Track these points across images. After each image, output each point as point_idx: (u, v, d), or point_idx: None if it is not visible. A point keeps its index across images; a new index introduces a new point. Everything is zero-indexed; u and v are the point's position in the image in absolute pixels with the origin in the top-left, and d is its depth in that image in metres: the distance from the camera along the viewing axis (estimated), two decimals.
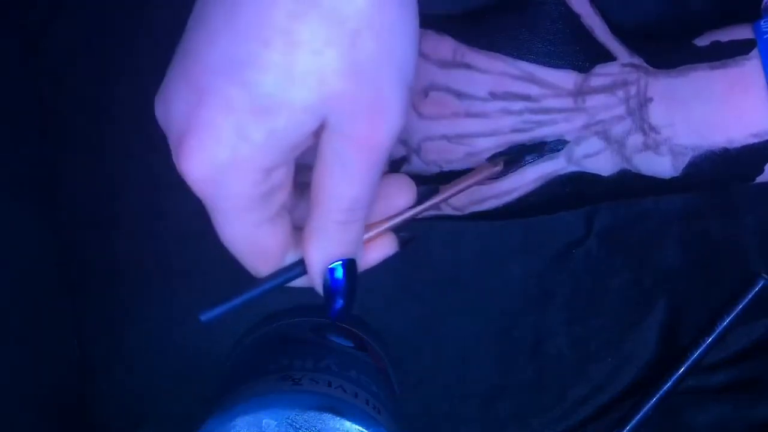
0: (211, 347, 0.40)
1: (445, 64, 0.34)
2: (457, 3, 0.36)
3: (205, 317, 0.29)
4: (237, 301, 0.30)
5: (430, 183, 0.35)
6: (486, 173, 0.33)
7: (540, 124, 0.34)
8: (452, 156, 0.35)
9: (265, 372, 0.34)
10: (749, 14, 0.32)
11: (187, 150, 0.25)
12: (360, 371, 0.35)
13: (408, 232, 0.32)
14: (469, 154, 0.34)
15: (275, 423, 0.30)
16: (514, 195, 0.35)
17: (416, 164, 0.36)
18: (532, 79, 0.34)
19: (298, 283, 0.30)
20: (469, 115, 0.34)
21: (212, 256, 0.37)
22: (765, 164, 0.32)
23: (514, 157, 0.34)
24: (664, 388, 0.40)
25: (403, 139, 0.36)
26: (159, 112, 0.26)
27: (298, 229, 0.29)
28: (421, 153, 0.35)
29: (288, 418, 0.30)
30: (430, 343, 0.41)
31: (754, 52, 0.31)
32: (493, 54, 0.34)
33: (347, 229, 0.28)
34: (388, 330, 0.41)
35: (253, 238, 0.28)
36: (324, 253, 0.28)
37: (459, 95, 0.34)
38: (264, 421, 0.30)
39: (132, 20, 0.38)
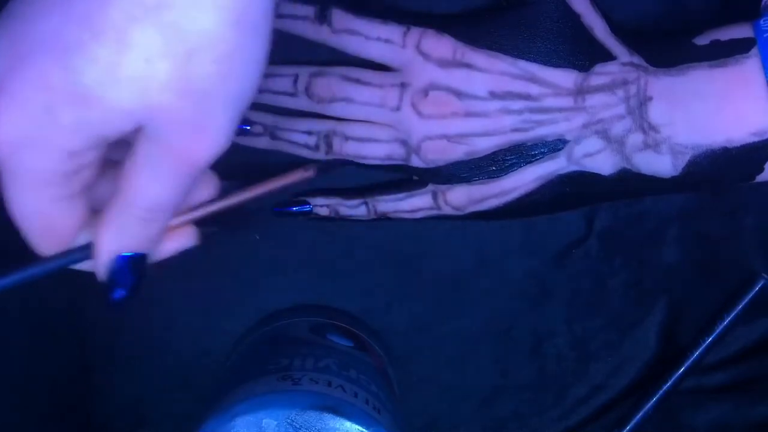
0: (211, 347, 0.40)
1: (445, 64, 0.34)
2: (457, 3, 0.36)
3: None
4: (15, 277, 0.28)
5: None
6: (296, 177, 0.33)
7: (540, 123, 0.34)
8: (452, 155, 0.35)
9: (265, 372, 0.34)
10: (749, 13, 0.32)
11: None
12: (360, 371, 0.35)
13: (211, 226, 0.31)
14: (469, 153, 0.34)
15: (275, 423, 0.30)
16: (514, 195, 0.35)
17: (416, 163, 0.36)
18: (532, 79, 0.34)
19: (83, 266, 0.29)
20: (469, 114, 0.34)
21: (212, 257, 0.37)
22: (765, 163, 0.32)
23: (327, 164, 0.34)
24: (664, 388, 0.40)
25: (402, 139, 0.36)
26: None
27: (94, 212, 0.28)
28: (421, 152, 0.35)
29: (288, 418, 0.30)
30: (429, 343, 0.41)
31: (754, 51, 0.31)
32: (493, 53, 0.34)
33: (146, 227, 0.27)
34: (388, 330, 0.41)
35: (44, 214, 0.26)
36: (116, 243, 0.27)
37: (459, 95, 0.34)
38: (264, 421, 0.30)
39: None
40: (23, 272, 0.28)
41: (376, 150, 0.36)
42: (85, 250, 0.28)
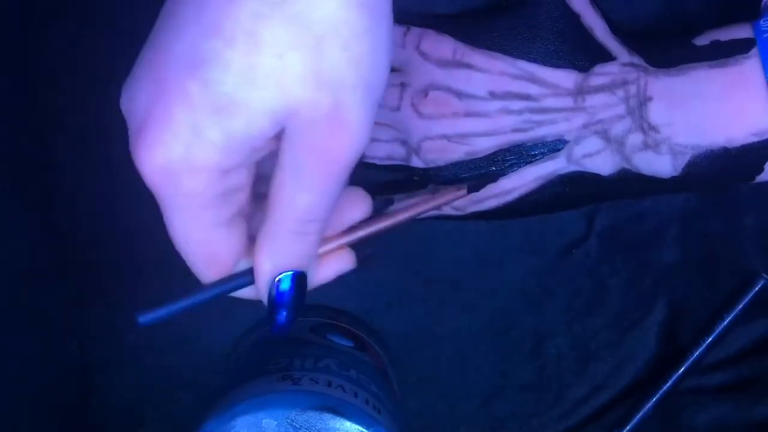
0: (211, 347, 0.40)
1: (445, 64, 0.34)
2: (457, 3, 0.36)
3: (144, 319, 0.28)
4: (179, 305, 0.28)
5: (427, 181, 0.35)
6: (451, 197, 0.33)
7: (540, 123, 0.34)
8: (452, 155, 0.35)
9: (265, 372, 0.34)
10: (749, 13, 0.32)
11: (142, 141, 0.24)
12: (360, 371, 0.35)
13: (366, 248, 0.31)
14: (469, 153, 0.34)
15: (275, 423, 0.30)
16: (514, 195, 0.35)
17: (416, 163, 0.36)
18: (532, 79, 0.34)
19: (245, 293, 0.29)
20: (469, 114, 0.34)
21: None
22: (765, 163, 0.32)
23: (478, 182, 0.34)
24: (664, 387, 0.40)
25: (402, 139, 0.36)
26: (123, 100, 0.25)
27: (253, 239, 0.28)
28: (421, 152, 0.35)
29: (288, 418, 0.30)
30: (430, 343, 0.41)
31: (754, 51, 0.31)
32: (493, 53, 0.34)
33: (300, 241, 0.27)
34: (388, 330, 0.41)
35: (205, 240, 0.26)
36: (273, 262, 0.27)
37: (459, 95, 0.34)
38: (264, 421, 0.30)
39: (132, 20, 0.38)
40: (186, 300, 0.28)
41: (376, 150, 0.36)
42: (247, 276, 0.28)
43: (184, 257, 0.27)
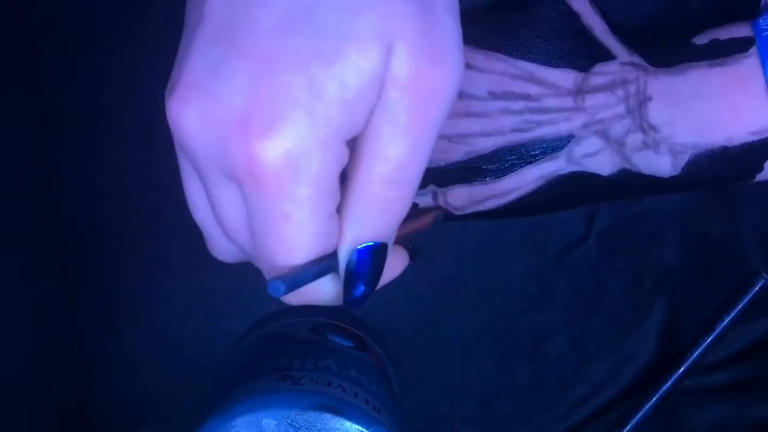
0: (211, 347, 0.40)
1: None
2: None
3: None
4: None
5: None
6: (428, 221, 0.32)
7: (540, 123, 0.34)
8: (453, 155, 0.35)
9: (265, 372, 0.34)
10: (748, 12, 0.32)
11: (255, 136, 0.22)
12: (360, 371, 0.35)
13: (410, 243, 0.30)
14: (469, 153, 0.34)
15: (275, 423, 0.30)
16: (514, 195, 0.35)
17: None
18: (531, 79, 0.34)
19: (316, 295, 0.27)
20: (469, 114, 0.34)
21: (212, 256, 0.37)
22: (765, 162, 0.32)
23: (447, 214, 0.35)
24: (664, 388, 0.40)
25: None
26: (194, 110, 0.23)
27: None
28: None
29: (288, 418, 0.30)
30: (430, 343, 0.41)
31: (753, 50, 0.31)
32: (492, 53, 0.34)
33: (385, 207, 0.25)
34: (388, 330, 0.41)
35: (323, 233, 0.24)
36: (356, 230, 0.25)
37: (459, 95, 0.34)
38: (264, 421, 0.30)
39: (132, 20, 0.38)
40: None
41: None
42: (330, 259, 0.26)
43: (285, 259, 0.25)
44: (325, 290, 0.28)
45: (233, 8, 0.22)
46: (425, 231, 0.33)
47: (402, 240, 0.29)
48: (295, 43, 0.21)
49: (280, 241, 0.24)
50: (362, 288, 0.27)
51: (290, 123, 0.22)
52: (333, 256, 0.26)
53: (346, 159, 0.24)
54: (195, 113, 0.23)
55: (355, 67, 0.22)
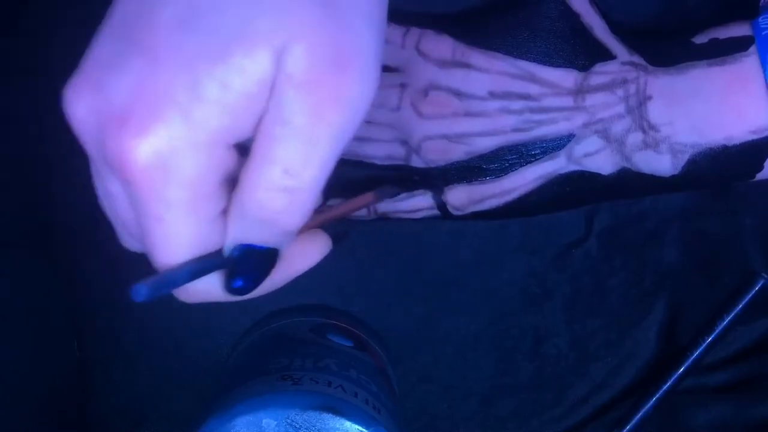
0: (211, 347, 0.40)
1: (444, 64, 0.34)
2: (456, 3, 0.36)
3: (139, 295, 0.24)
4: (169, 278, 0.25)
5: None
6: (361, 202, 0.32)
7: (540, 123, 0.34)
8: (453, 155, 0.35)
9: (265, 372, 0.34)
10: (747, 11, 0.32)
11: (128, 129, 0.21)
12: (360, 371, 0.35)
13: (339, 226, 0.29)
14: (469, 153, 0.34)
15: (275, 423, 0.30)
16: (514, 194, 0.35)
17: (416, 163, 0.36)
18: (531, 78, 0.34)
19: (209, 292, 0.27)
20: (469, 114, 0.34)
21: None
22: (765, 161, 0.32)
23: (385, 191, 0.34)
24: (664, 387, 0.40)
25: (403, 139, 0.36)
26: (84, 101, 0.22)
27: None
28: (422, 152, 0.35)
29: (288, 418, 0.30)
30: (429, 343, 0.41)
31: (753, 49, 0.31)
32: (492, 53, 0.34)
33: (274, 220, 0.24)
34: (388, 330, 0.41)
35: (200, 237, 0.23)
36: (239, 231, 0.24)
37: (459, 95, 0.34)
38: (264, 421, 0.30)
39: None
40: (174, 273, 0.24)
41: (376, 150, 0.36)
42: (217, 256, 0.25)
43: (162, 258, 0.24)
44: (214, 287, 0.27)
45: (140, 4, 0.22)
46: (372, 203, 0.32)
47: (335, 220, 0.29)
48: (187, 42, 0.21)
49: (155, 240, 0.24)
50: (240, 283, 0.26)
51: (164, 123, 0.21)
52: (219, 254, 0.25)
53: (232, 163, 0.23)
54: (84, 105, 0.22)
55: (240, 68, 0.21)
